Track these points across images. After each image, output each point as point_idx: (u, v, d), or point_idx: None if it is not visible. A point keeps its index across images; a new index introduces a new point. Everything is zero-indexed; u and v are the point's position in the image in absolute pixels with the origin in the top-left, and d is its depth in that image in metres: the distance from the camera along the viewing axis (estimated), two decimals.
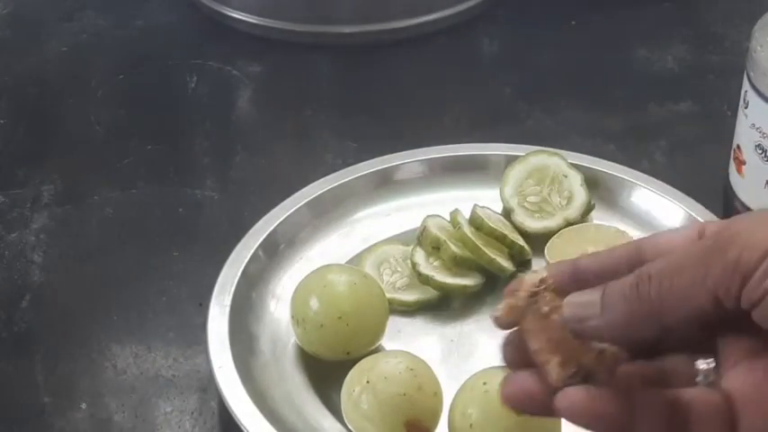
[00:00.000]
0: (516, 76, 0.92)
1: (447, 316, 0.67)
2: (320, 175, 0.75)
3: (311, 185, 0.73)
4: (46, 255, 0.74)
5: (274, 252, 0.69)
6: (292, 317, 0.63)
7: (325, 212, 0.72)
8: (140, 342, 0.67)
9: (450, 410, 0.57)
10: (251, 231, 0.69)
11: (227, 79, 0.93)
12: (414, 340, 0.65)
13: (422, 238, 0.69)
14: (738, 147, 0.63)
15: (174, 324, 0.68)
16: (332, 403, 0.61)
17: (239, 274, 0.65)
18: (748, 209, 0.64)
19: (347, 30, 0.96)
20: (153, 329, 0.68)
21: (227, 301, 0.63)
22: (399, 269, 0.69)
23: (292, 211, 0.71)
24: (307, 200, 0.72)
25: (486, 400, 0.55)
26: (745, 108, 0.62)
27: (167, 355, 0.65)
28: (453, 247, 0.67)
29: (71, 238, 0.76)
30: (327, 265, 0.66)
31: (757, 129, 0.60)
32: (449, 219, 0.71)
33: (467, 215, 0.70)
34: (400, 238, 0.71)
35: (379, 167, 0.75)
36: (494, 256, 0.68)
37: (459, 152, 0.76)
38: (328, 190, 0.73)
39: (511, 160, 0.74)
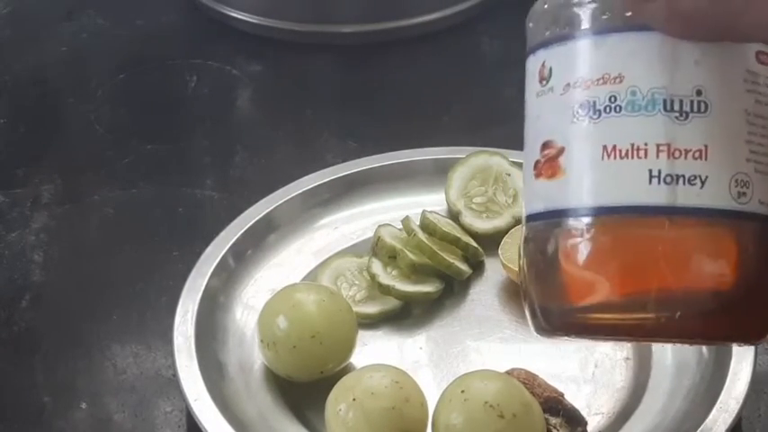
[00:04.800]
0: (516, 76, 0.92)
1: (410, 324, 0.67)
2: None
3: (259, 204, 0.72)
4: (46, 255, 0.74)
5: (227, 279, 0.68)
6: (261, 340, 0.62)
7: (275, 229, 0.72)
8: (140, 342, 0.67)
9: (434, 423, 0.56)
10: (202, 257, 0.68)
11: (227, 79, 0.93)
12: (382, 352, 0.65)
13: (377, 248, 0.69)
14: (549, 143, 0.43)
15: (173, 324, 0.68)
16: (310, 424, 0.60)
17: (198, 300, 0.65)
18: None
19: (347, 30, 0.97)
20: (153, 329, 0.68)
21: (191, 331, 0.63)
22: (357, 282, 0.69)
23: (243, 230, 0.70)
24: (255, 219, 0.71)
25: (468, 408, 0.55)
26: (546, 83, 0.45)
27: (167, 355, 0.65)
28: (410, 255, 0.67)
29: (71, 238, 0.76)
30: (292, 285, 0.65)
31: (574, 84, 0.42)
32: (399, 226, 0.70)
33: (416, 221, 0.70)
34: (352, 251, 0.71)
35: (322, 181, 0.74)
36: (452, 261, 0.68)
37: (399, 159, 0.76)
38: (276, 207, 0.72)
39: (452, 163, 0.74)
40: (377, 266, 0.68)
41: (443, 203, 0.73)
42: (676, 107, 0.39)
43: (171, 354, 0.61)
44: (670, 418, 0.58)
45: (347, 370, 0.62)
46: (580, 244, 0.40)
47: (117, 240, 0.76)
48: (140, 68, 0.95)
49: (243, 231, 0.70)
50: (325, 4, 0.97)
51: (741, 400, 0.57)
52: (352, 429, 0.56)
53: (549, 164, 0.42)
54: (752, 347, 0.59)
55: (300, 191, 0.73)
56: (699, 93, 0.39)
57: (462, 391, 0.55)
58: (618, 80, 0.40)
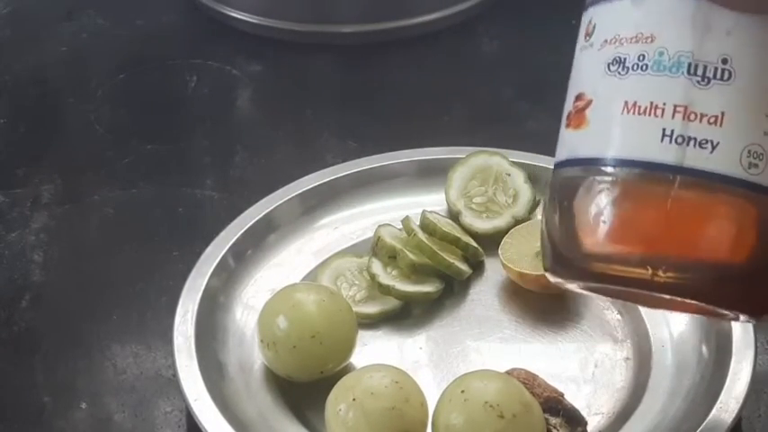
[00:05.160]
0: (516, 76, 0.92)
1: (410, 324, 0.67)
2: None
3: (259, 204, 0.72)
4: (46, 255, 0.74)
5: (227, 279, 0.68)
6: (261, 340, 0.62)
7: (275, 229, 0.72)
8: (140, 342, 0.67)
9: (434, 423, 0.56)
10: (202, 257, 0.67)
11: (227, 79, 0.93)
12: (382, 352, 0.65)
13: (377, 248, 0.69)
14: (581, 95, 0.45)
15: (173, 324, 0.68)
16: (310, 424, 0.60)
17: (198, 300, 0.65)
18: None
19: (347, 30, 0.97)
20: (153, 329, 0.68)
21: (191, 331, 0.63)
22: (356, 282, 0.69)
23: (243, 230, 0.70)
24: (255, 219, 0.71)
25: (468, 408, 0.55)
26: (589, 38, 0.44)
27: (167, 355, 0.65)
28: (410, 255, 0.67)
29: (71, 238, 0.76)
30: (292, 285, 0.65)
31: (611, 41, 0.43)
32: (399, 226, 0.70)
33: (415, 221, 0.70)
34: (352, 251, 0.71)
35: (322, 181, 0.74)
36: (452, 261, 0.68)
37: (399, 159, 0.76)
38: (276, 207, 0.72)
39: (452, 163, 0.74)
40: (377, 266, 0.68)
41: (443, 203, 0.73)
42: (699, 72, 0.40)
43: (171, 354, 0.61)
44: (670, 418, 0.58)
45: (347, 370, 0.62)
46: (593, 193, 0.41)
47: (117, 240, 0.76)
48: (140, 68, 0.95)
49: (243, 231, 0.70)
50: (325, 4, 0.97)
51: (741, 400, 0.57)
52: (352, 429, 0.56)
53: (578, 115, 0.44)
54: (752, 347, 0.59)
55: (300, 191, 0.73)
56: (725, 61, 0.40)
57: (462, 391, 0.55)
58: (649, 40, 0.41)
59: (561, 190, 0.43)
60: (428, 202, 0.73)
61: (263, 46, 0.96)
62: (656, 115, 0.40)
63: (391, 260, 0.68)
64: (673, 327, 0.64)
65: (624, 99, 0.41)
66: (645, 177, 0.40)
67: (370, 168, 0.75)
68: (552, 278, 0.44)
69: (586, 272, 0.42)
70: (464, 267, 0.69)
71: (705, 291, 0.40)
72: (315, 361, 0.61)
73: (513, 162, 0.74)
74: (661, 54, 0.41)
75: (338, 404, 0.56)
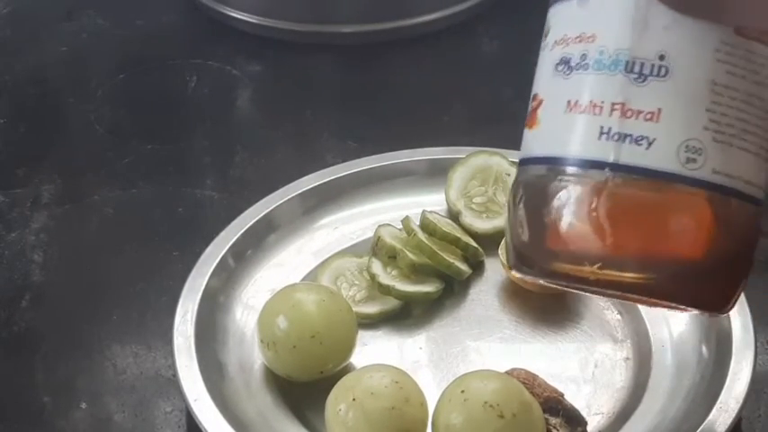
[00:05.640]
0: (516, 76, 0.92)
1: (410, 324, 0.67)
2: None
3: (259, 204, 0.72)
4: (46, 255, 0.74)
5: (227, 279, 0.68)
6: (261, 340, 0.62)
7: (275, 229, 0.71)
8: (140, 342, 0.67)
9: (434, 423, 0.56)
10: (202, 257, 0.67)
11: (227, 79, 0.93)
12: (382, 352, 0.65)
13: (377, 248, 0.69)
14: (535, 96, 0.45)
15: (173, 324, 0.68)
16: (310, 424, 0.60)
17: (198, 300, 0.65)
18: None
19: (347, 30, 0.97)
20: (153, 329, 0.68)
21: (191, 331, 0.63)
22: (356, 282, 0.69)
23: (243, 230, 0.70)
24: (255, 219, 0.71)
25: (468, 408, 0.55)
26: (545, 40, 0.45)
27: (167, 355, 0.65)
28: (410, 255, 0.67)
29: (71, 238, 0.76)
30: (292, 285, 0.65)
31: (559, 41, 0.43)
32: (399, 226, 0.70)
33: (415, 221, 0.70)
34: (351, 251, 0.71)
35: (322, 181, 0.74)
36: (452, 261, 0.68)
37: (399, 159, 0.76)
38: (276, 207, 0.72)
39: (452, 163, 0.74)
40: (377, 266, 0.68)
41: (443, 203, 0.73)
42: (636, 69, 0.40)
43: (171, 354, 0.61)
44: (670, 418, 0.58)
45: (347, 370, 0.62)
46: (538, 191, 0.42)
47: (117, 240, 0.76)
48: (140, 68, 0.95)
49: (243, 231, 0.70)
50: (325, 4, 0.97)
51: (741, 400, 0.57)
52: (352, 429, 0.56)
53: (532, 114, 0.44)
54: (752, 347, 0.59)
55: (300, 191, 0.73)
56: (661, 57, 0.40)
57: (462, 391, 0.55)
58: (591, 39, 0.41)
59: (515, 187, 0.44)
60: (428, 202, 0.73)
61: (263, 46, 0.96)
62: (595, 113, 0.41)
63: (391, 260, 0.68)
64: (673, 327, 0.64)
65: (567, 98, 0.42)
66: (583, 175, 0.40)
67: (370, 168, 0.75)
68: (516, 273, 0.45)
69: (538, 269, 0.43)
70: (464, 267, 0.69)
71: (649, 287, 0.41)
72: (315, 361, 0.61)
73: (513, 162, 0.74)
74: (601, 53, 0.41)
75: (338, 404, 0.56)
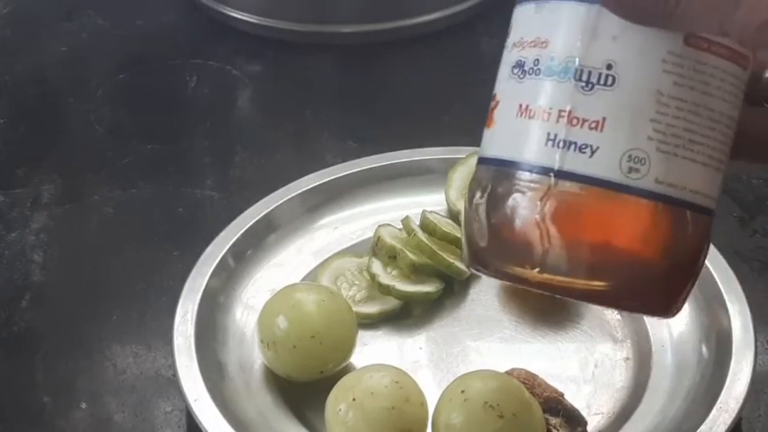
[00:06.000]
0: None
1: (410, 324, 0.67)
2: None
3: (259, 204, 0.72)
4: (46, 255, 0.74)
5: (227, 279, 0.68)
6: (261, 340, 0.62)
7: (275, 229, 0.71)
8: (140, 342, 0.67)
9: (434, 423, 0.56)
10: (202, 257, 0.67)
11: (227, 79, 0.93)
12: (382, 352, 0.65)
13: (377, 248, 0.69)
14: (494, 95, 0.46)
15: (173, 324, 0.68)
16: (310, 424, 0.60)
17: (198, 300, 0.65)
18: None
19: (347, 30, 0.97)
20: (153, 329, 0.68)
21: (191, 331, 0.63)
22: (356, 282, 0.69)
23: (243, 230, 0.70)
24: (255, 219, 0.71)
25: (468, 408, 0.55)
26: (506, 40, 0.45)
27: (167, 355, 0.65)
28: (410, 255, 0.67)
29: (71, 238, 0.76)
30: (292, 285, 0.65)
31: (517, 44, 0.44)
32: (399, 226, 0.70)
33: (415, 221, 0.70)
34: (351, 251, 0.71)
35: (322, 181, 0.74)
36: (452, 261, 0.68)
37: (399, 159, 0.76)
38: (276, 207, 0.72)
39: (452, 163, 0.74)
40: (377, 266, 0.68)
41: (443, 203, 0.73)
42: (584, 77, 0.40)
43: (171, 354, 0.61)
44: (670, 418, 0.58)
45: (347, 370, 0.62)
46: (487, 192, 0.42)
47: (117, 240, 0.76)
48: (140, 68, 0.95)
49: (243, 231, 0.70)
50: (325, 4, 0.97)
51: (741, 400, 0.57)
52: (352, 429, 0.56)
53: (490, 114, 0.45)
54: (752, 347, 0.59)
55: (300, 191, 0.73)
56: (609, 66, 0.40)
57: (462, 391, 0.55)
58: (544, 45, 0.42)
59: (472, 186, 0.44)
60: (428, 202, 0.73)
61: (263, 46, 0.96)
62: (543, 119, 0.41)
63: (391, 260, 0.68)
64: (673, 327, 0.64)
65: (519, 102, 0.42)
66: (530, 180, 0.41)
67: (370, 168, 0.75)
68: (472, 269, 0.45)
69: (491, 269, 0.43)
70: (464, 267, 0.69)
71: (589, 292, 0.41)
72: (315, 361, 0.61)
73: None
74: (552, 59, 0.41)
75: (338, 404, 0.56)
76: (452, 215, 0.73)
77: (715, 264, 0.63)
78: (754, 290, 0.61)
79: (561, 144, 0.40)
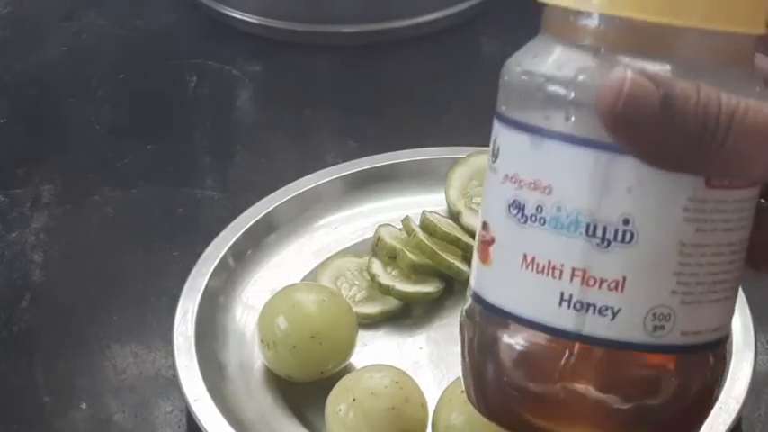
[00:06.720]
0: None
1: (411, 324, 0.67)
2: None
3: (259, 204, 0.72)
4: (46, 255, 0.74)
5: (227, 279, 0.68)
6: (261, 340, 0.62)
7: (275, 229, 0.72)
8: (140, 342, 0.67)
9: (434, 423, 0.56)
10: (202, 257, 0.67)
11: (227, 79, 0.93)
12: (383, 352, 0.65)
13: (377, 248, 0.69)
14: (486, 225, 0.40)
15: (173, 324, 0.68)
16: (310, 424, 0.60)
17: (198, 300, 0.65)
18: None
19: (347, 30, 0.96)
20: (153, 329, 0.68)
21: (191, 331, 0.63)
22: (357, 282, 0.69)
23: (243, 230, 0.70)
24: (255, 219, 0.71)
25: (468, 408, 0.54)
26: (494, 161, 0.40)
27: (167, 355, 0.65)
28: (411, 255, 0.67)
29: (71, 238, 0.76)
30: (292, 285, 0.65)
31: (511, 178, 0.39)
32: (399, 226, 0.70)
33: (415, 221, 0.70)
34: (352, 251, 0.71)
35: (322, 181, 0.74)
36: (452, 261, 0.68)
37: (399, 159, 0.76)
38: (276, 207, 0.72)
39: (452, 163, 0.74)
40: (377, 266, 0.68)
41: (443, 203, 0.73)
42: (599, 233, 0.36)
43: (171, 354, 0.61)
44: None
45: (347, 370, 0.62)
46: (491, 344, 0.39)
47: (117, 240, 0.76)
48: (140, 68, 0.95)
49: (243, 231, 0.70)
50: (325, 4, 0.97)
51: (741, 400, 0.57)
52: (352, 429, 0.56)
53: (484, 248, 0.40)
54: (752, 347, 0.59)
55: (300, 191, 0.73)
56: (626, 222, 0.36)
57: (462, 392, 0.55)
58: (547, 191, 0.37)
59: (470, 327, 0.41)
60: (428, 202, 0.73)
61: (263, 46, 0.96)
62: (554, 276, 0.37)
63: (391, 260, 0.68)
64: None
65: (523, 251, 0.37)
66: (544, 341, 0.37)
67: (370, 168, 0.75)
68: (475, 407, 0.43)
69: (488, 412, 0.41)
70: (464, 267, 0.69)
71: None
72: (315, 361, 0.61)
73: None
74: (558, 210, 0.37)
75: (338, 404, 0.56)
76: (452, 215, 0.73)
77: None
78: (754, 290, 0.61)
79: (578, 306, 0.37)
